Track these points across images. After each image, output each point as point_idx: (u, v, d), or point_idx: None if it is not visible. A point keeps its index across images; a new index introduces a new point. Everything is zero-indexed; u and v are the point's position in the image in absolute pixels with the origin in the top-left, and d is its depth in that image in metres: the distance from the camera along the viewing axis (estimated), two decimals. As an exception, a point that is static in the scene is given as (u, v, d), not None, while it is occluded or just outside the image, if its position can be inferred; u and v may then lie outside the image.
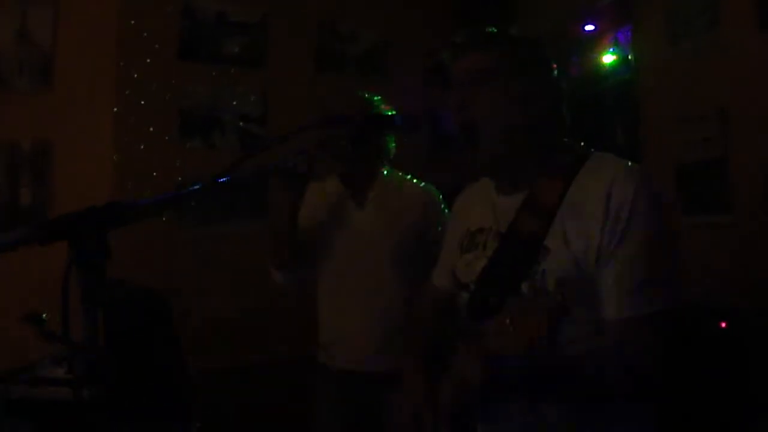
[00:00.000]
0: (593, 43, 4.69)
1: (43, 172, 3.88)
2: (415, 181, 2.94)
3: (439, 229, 2.74)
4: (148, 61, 4.08)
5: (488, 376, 1.46)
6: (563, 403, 1.64)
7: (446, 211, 2.77)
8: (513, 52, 1.77)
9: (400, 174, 2.95)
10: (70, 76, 3.96)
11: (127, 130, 3.99)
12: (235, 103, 4.26)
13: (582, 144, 1.82)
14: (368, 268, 2.81)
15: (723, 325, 3.17)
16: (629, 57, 4.41)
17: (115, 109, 3.99)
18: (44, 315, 3.38)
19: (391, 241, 2.80)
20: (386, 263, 2.79)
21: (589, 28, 4.69)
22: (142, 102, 4.04)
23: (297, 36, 4.50)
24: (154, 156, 4.01)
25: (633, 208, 1.58)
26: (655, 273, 1.58)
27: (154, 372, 2.89)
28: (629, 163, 1.68)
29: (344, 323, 2.85)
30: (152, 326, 2.99)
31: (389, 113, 2.60)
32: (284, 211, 2.75)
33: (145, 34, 4.08)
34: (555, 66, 1.82)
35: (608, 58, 4.61)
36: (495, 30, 1.82)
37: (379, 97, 2.82)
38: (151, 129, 4.04)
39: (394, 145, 2.92)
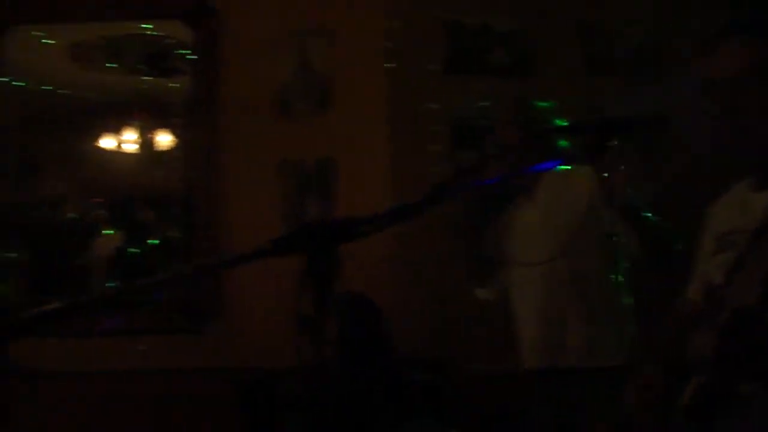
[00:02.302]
0: None
1: (327, 189, 4.08)
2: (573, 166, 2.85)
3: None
4: (418, 77, 4.19)
5: None
6: None
7: None
8: None
9: None
10: (347, 98, 4.17)
11: (402, 146, 4.10)
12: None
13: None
14: (545, 259, 2.77)
15: None
16: None
17: (390, 126, 4.12)
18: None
19: (563, 229, 2.79)
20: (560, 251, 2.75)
21: None
22: (415, 118, 4.14)
23: (564, 41, 4.42)
24: (430, 169, 4.07)
25: None
26: None
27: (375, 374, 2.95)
28: None
29: (539, 319, 2.82)
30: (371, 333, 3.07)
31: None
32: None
33: (413, 52, 4.20)
34: None
35: None
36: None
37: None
38: (426, 143, 4.12)
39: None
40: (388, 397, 2.86)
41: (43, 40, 4.66)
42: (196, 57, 4.34)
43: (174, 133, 4.98)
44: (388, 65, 4.19)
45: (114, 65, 4.94)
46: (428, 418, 3.21)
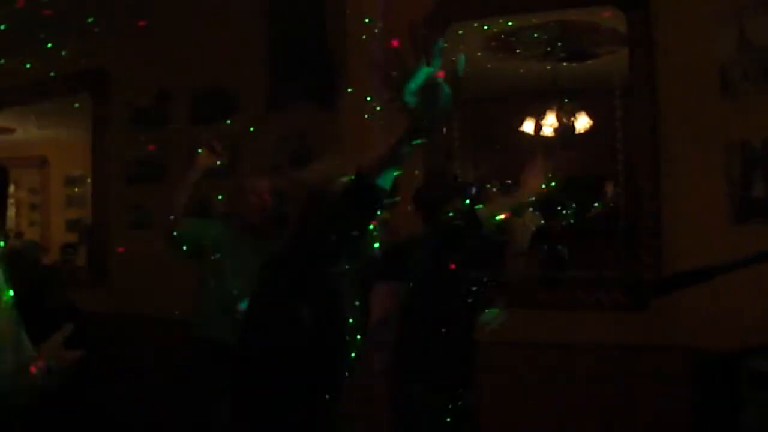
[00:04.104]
0: None
1: (775, 170, 3.95)
2: None
3: None
4: None
5: None
6: None
7: None
8: None
9: None
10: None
11: None
12: None
13: None
14: None
15: None
16: None
17: None
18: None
19: None
20: None
21: None
22: None
23: None
24: None
25: None
26: None
27: None
28: None
29: None
30: None
31: None
32: None
33: None
34: None
35: None
36: None
37: None
38: None
39: None
40: None
41: (472, 32, 4.98)
42: (629, 40, 4.38)
43: (596, 116, 5.11)
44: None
45: (534, 53, 5.17)
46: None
